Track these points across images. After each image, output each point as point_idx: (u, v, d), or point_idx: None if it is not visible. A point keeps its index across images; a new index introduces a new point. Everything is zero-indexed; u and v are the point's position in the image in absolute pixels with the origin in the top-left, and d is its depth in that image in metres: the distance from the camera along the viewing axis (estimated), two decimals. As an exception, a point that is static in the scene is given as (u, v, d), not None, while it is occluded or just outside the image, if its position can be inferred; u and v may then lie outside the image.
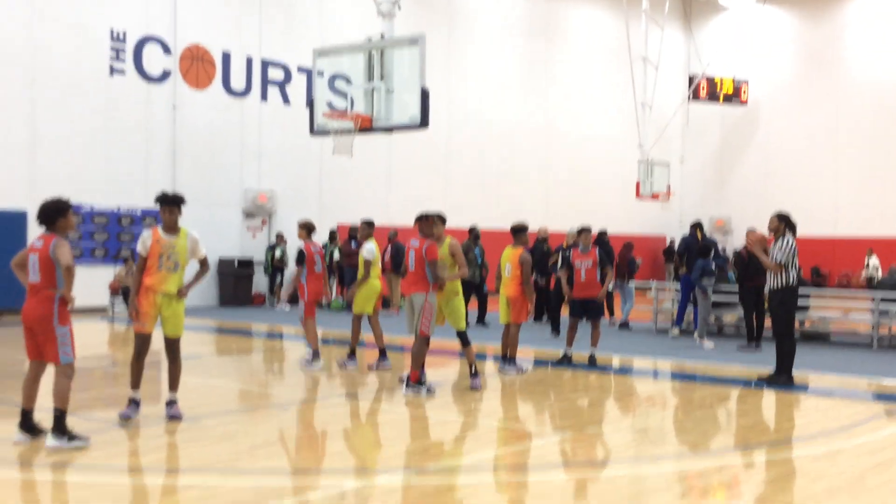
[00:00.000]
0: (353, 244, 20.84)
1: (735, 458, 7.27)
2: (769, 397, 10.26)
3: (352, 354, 11.82)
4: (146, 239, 8.07)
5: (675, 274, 21.64)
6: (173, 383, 8.22)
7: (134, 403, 8.11)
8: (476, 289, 17.29)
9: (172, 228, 8.12)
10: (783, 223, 10.93)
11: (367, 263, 11.73)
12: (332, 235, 21.96)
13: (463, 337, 10.23)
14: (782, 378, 10.77)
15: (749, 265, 14.45)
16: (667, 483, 6.51)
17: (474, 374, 10.17)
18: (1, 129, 18.37)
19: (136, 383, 8.13)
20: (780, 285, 10.78)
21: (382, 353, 11.73)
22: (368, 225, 12.05)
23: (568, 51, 30.80)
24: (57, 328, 7.09)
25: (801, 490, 6.39)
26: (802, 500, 6.09)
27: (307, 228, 12.04)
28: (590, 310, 12.30)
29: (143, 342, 8.16)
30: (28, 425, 7.20)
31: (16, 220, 18.30)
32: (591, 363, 12.13)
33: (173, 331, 8.17)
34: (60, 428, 6.99)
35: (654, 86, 29.01)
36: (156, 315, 8.12)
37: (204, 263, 8.36)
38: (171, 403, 8.21)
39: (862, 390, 11.08)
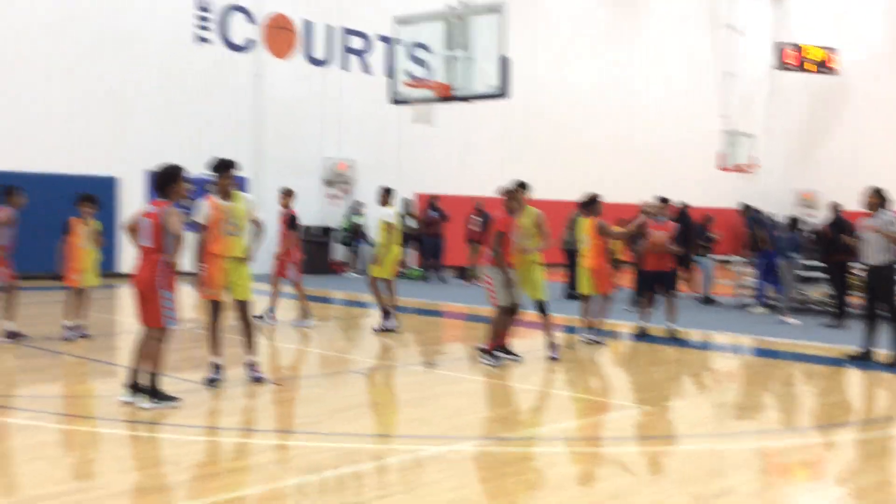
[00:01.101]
0: (431, 213, 20.96)
1: (820, 436, 7.14)
2: (855, 376, 10.02)
3: (386, 314, 11.99)
4: (204, 207, 8.17)
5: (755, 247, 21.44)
6: (250, 346, 8.39)
7: (216, 368, 8.31)
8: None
9: (228, 194, 8.22)
10: (878, 198, 10.62)
11: (391, 227, 11.93)
12: (407, 204, 22.07)
13: (541, 307, 10.20)
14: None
15: (833, 241, 14.06)
16: (746, 459, 6.44)
17: (552, 346, 10.15)
18: (92, 98, 18.89)
19: (216, 349, 8.30)
20: (880, 262, 10.45)
21: (386, 313, 11.96)
22: (387, 191, 12.30)
23: (650, 17, 30.19)
24: (162, 293, 7.27)
25: (886, 471, 6.26)
26: (887, 481, 5.96)
27: (288, 194, 12.68)
28: (664, 282, 12.18)
29: (216, 308, 8.31)
30: (134, 385, 7.41)
31: (106, 185, 18.85)
32: (672, 336, 12.00)
33: (242, 294, 8.31)
34: (153, 390, 7.23)
35: (739, 54, 28.28)
36: (225, 281, 8.24)
37: (258, 224, 8.52)
38: (251, 365, 8.40)
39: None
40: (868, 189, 10.80)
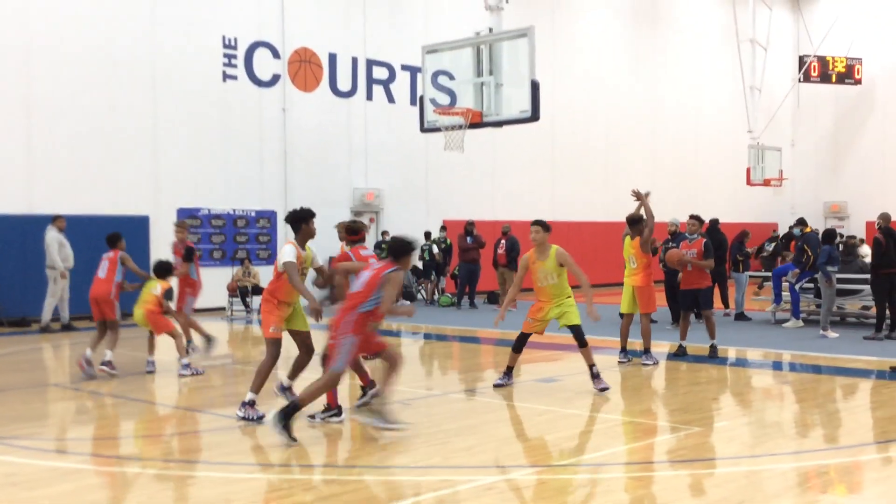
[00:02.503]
0: (468, 239, 20.92)
1: (872, 452, 7.00)
2: (904, 389, 9.85)
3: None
4: (294, 253, 8.11)
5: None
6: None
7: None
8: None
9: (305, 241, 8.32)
10: None
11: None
12: (427, 235, 22.10)
13: (578, 336, 9.84)
14: None
15: (887, 252, 13.78)
16: (797, 479, 6.33)
17: (595, 376, 9.66)
18: (125, 137, 19.09)
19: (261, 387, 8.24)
20: None
21: None
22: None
23: (673, 35, 30.21)
24: (341, 337, 7.38)
25: (950, 486, 6.12)
26: (953, 497, 5.83)
27: (182, 225, 13.13)
28: (699, 300, 12.08)
29: (278, 347, 8.29)
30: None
31: (140, 224, 19.03)
32: (713, 355, 11.87)
33: (306, 325, 8.53)
34: (285, 416, 7.14)
35: (763, 68, 28.20)
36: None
37: (322, 271, 8.67)
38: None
39: None
40: None
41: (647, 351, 11.47)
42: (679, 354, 12.02)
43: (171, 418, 9.07)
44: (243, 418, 8.01)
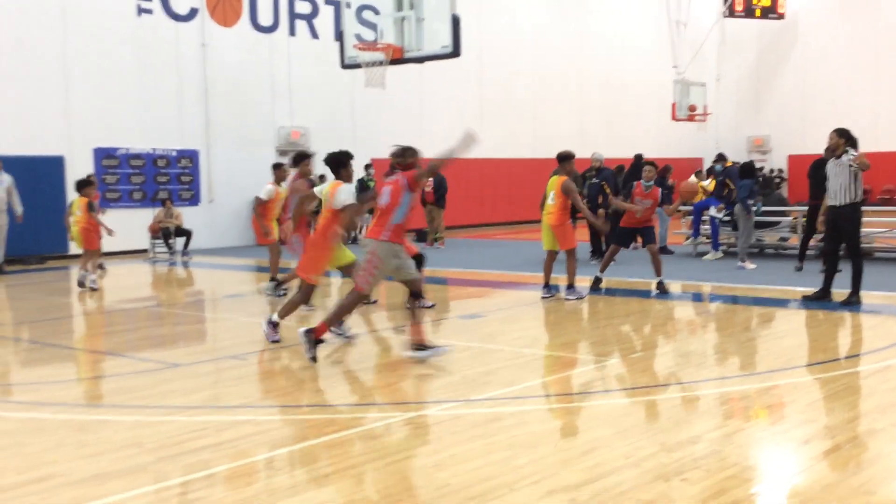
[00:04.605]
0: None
1: (782, 378, 7.21)
2: (814, 317, 10.16)
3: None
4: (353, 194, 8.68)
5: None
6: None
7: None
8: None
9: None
10: (843, 138, 10.64)
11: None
12: (367, 168, 21.90)
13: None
14: (854, 298, 10.60)
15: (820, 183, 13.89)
16: (712, 405, 6.49)
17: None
18: (36, 76, 18.38)
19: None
20: (846, 201, 10.52)
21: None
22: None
23: (598, -29, 30.07)
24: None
25: (852, 408, 6.34)
26: (854, 418, 6.04)
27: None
28: (644, 236, 12.19)
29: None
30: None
31: (54, 165, 18.45)
32: (662, 290, 11.98)
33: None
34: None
35: (688, 3, 28.33)
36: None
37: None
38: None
39: (909, 307, 10.93)
40: (832, 131, 10.76)
41: (570, 286, 11.57)
42: (595, 288, 12.15)
43: (87, 362, 8.89)
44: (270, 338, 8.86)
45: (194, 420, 6.28)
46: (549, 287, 11.71)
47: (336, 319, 8.14)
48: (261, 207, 12.36)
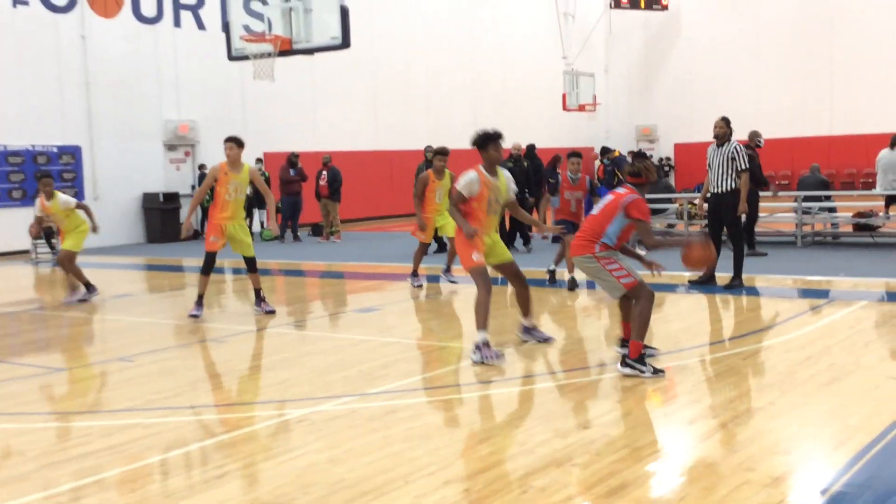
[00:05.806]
0: (291, 172, 20.48)
1: (668, 361, 7.43)
2: (698, 301, 10.50)
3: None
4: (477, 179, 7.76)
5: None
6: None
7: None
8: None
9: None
10: (729, 126, 11.04)
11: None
12: (258, 162, 21.59)
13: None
14: (737, 281, 10.99)
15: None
16: (605, 390, 6.64)
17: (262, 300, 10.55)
18: None
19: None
20: (728, 188, 10.89)
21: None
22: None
23: (488, -37, 30.31)
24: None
25: (734, 388, 6.59)
26: (736, 398, 6.28)
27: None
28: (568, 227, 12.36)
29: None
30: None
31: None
32: (552, 280, 12.17)
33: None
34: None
35: (575, -5, 28.82)
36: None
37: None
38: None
39: (788, 288, 11.41)
40: (718, 119, 11.12)
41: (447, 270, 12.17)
42: (552, 280, 12.19)
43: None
44: (480, 362, 7.42)
45: (81, 425, 6.08)
46: (416, 275, 12.15)
47: (643, 332, 7.03)
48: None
